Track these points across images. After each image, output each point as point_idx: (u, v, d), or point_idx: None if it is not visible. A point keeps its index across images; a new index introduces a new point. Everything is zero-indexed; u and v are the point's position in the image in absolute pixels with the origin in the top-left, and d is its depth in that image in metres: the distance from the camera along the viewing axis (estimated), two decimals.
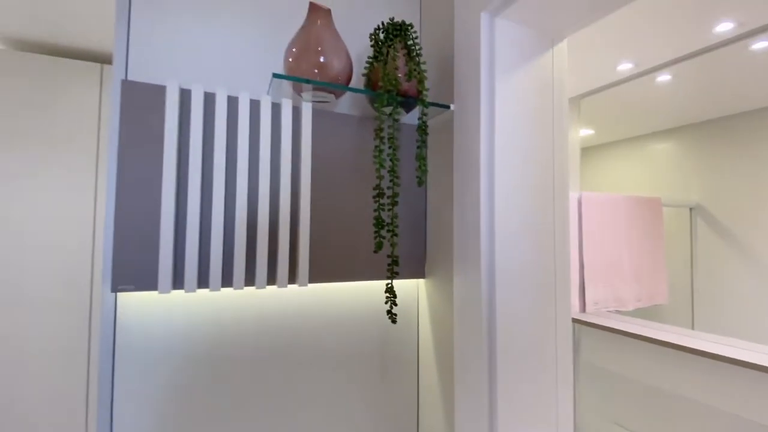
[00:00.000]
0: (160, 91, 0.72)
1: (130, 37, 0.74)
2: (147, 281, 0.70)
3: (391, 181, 0.78)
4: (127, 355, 0.73)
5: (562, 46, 0.85)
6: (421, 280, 0.99)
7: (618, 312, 1.65)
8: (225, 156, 0.75)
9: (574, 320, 1.45)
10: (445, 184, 0.88)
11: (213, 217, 0.73)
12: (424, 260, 0.94)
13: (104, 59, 1.90)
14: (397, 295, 0.96)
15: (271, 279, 0.77)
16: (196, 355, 0.78)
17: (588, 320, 1.40)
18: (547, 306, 0.79)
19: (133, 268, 0.69)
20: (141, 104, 0.71)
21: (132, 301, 0.74)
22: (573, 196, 1.58)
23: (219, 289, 0.74)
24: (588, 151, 2.87)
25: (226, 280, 0.74)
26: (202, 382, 0.78)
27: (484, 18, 0.77)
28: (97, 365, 1.64)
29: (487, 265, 0.75)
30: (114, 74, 0.73)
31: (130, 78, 0.74)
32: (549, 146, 0.81)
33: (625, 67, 1.55)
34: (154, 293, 0.75)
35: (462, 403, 0.79)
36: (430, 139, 0.96)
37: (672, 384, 1.11)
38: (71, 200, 1.61)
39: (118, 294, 0.73)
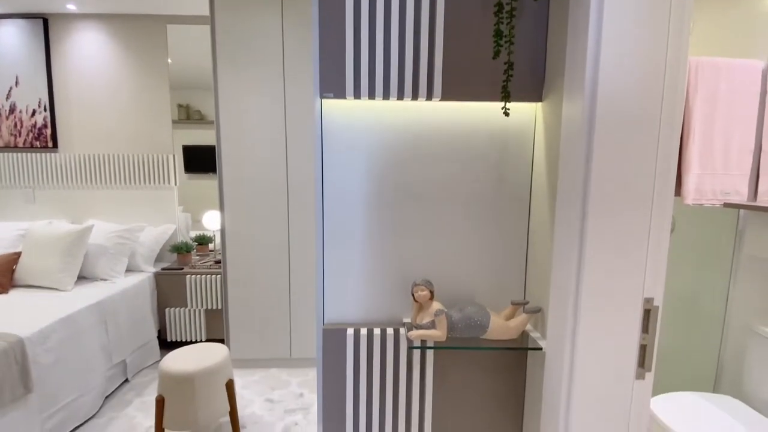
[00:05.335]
0: None
1: None
2: (339, 93, 1.10)
3: None
4: (327, 140, 1.20)
5: None
6: (539, 104, 1.16)
7: None
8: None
9: (740, 206, 1.27)
10: (563, 17, 0.97)
11: (377, 42, 1.04)
12: (542, 84, 1.10)
13: None
14: (514, 115, 1.18)
15: (415, 95, 1.09)
16: (365, 141, 1.21)
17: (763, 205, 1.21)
18: (649, 142, 0.89)
19: (330, 84, 1.09)
20: None
21: (331, 104, 1.18)
22: (757, 65, 1.20)
23: (381, 99, 1.10)
24: None
25: (386, 94, 1.09)
26: (369, 159, 1.23)
27: None
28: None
29: (590, 89, 0.89)
30: None
31: None
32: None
33: None
34: (342, 101, 1.16)
35: (559, 225, 1.06)
36: None
37: None
38: (270, 105, 2.25)
39: (323, 101, 1.16)
